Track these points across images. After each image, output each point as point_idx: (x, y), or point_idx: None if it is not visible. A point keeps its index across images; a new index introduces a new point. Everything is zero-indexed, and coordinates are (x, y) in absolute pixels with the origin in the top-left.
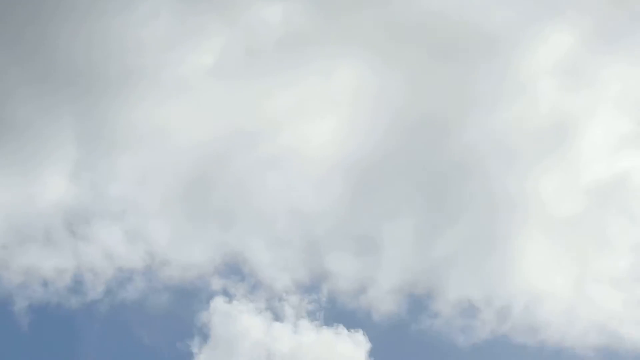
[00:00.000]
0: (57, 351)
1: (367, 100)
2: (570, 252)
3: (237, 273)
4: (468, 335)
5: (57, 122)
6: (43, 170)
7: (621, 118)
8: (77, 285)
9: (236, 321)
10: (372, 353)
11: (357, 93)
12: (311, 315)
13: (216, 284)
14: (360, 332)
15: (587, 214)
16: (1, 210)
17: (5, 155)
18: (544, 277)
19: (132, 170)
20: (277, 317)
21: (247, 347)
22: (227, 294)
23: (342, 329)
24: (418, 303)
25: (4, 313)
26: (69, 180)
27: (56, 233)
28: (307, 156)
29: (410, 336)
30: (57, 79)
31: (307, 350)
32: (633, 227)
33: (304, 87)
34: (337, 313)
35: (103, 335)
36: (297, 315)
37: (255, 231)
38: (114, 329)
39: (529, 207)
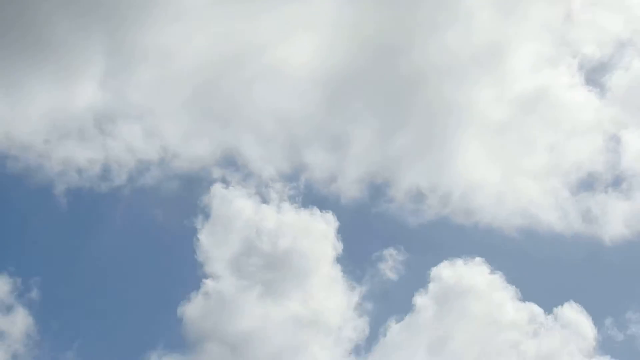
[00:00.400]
0: (89, 227)
1: (341, 25)
2: (499, 150)
3: (232, 165)
4: (417, 217)
5: (88, 39)
6: (77, 79)
7: (543, 43)
8: (105, 173)
9: (231, 203)
10: (339, 230)
11: (333, 19)
12: (291, 199)
13: (216, 173)
14: (331, 213)
15: (514, 120)
16: (43, 112)
17: (47, 67)
18: (479, 170)
19: (150, 80)
20: (264, 200)
21: (240, 224)
22: (225, 182)
23: (316, 210)
24: (377, 190)
25: (47, 196)
26: (98, 87)
27: (88, 131)
28: (290, 71)
29: (371, 217)
30: (88, 2)
31: (288, 227)
32: (550, 131)
33: (288, 14)
34: (312, 197)
35: (125, 213)
36: (280, 199)
37: (247, 131)
38: (134, 209)
39: (468, 113)
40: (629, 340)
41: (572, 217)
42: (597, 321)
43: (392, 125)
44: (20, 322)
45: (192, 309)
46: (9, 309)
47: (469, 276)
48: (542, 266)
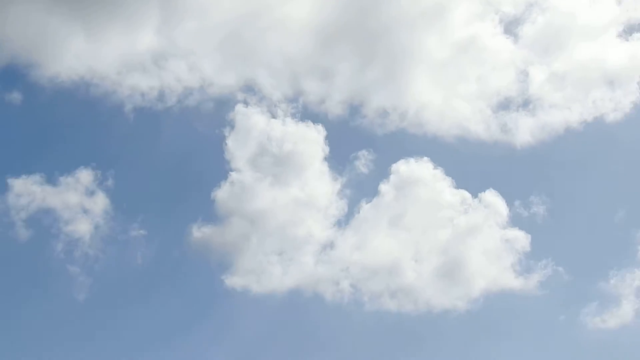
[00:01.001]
0: (149, 135)
1: None
2: (442, 80)
3: (251, 90)
4: (382, 128)
5: None
6: (139, 26)
7: (474, 3)
8: (160, 96)
9: (250, 118)
10: (327, 138)
11: None
12: (293, 115)
13: (239, 96)
14: (321, 125)
15: (453, 59)
16: (116, 51)
17: (118, 17)
18: (427, 95)
19: (192, 28)
20: (273, 116)
21: (256, 133)
22: (245, 103)
23: (310, 124)
24: (355, 109)
25: (119, 113)
26: (154, 33)
27: (148, 66)
28: (292, 23)
29: (350, 129)
30: None
31: (290, 135)
32: (478, 67)
33: None
34: (307, 114)
35: (175, 126)
36: (284, 115)
37: (262, 66)
38: (182, 122)
39: (419, 54)
40: (531, 217)
41: (493, 129)
42: (509, 203)
43: (366, 62)
44: (100, 202)
45: (222, 193)
46: (92, 193)
47: (418, 171)
48: (471, 164)
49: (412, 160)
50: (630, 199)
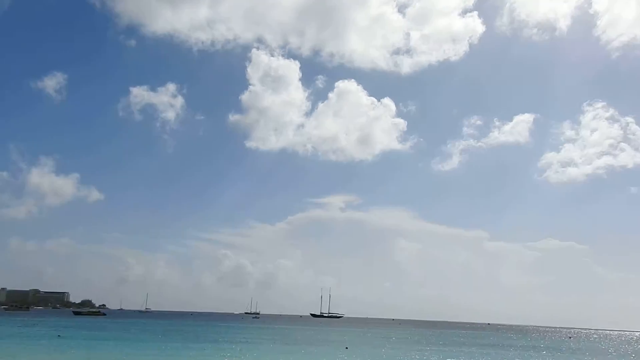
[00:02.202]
0: (206, 67)
1: None
2: (366, 39)
3: (261, 41)
4: (331, 63)
5: None
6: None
7: None
8: (212, 44)
9: (259, 57)
10: (300, 68)
11: None
12: (283, 56)
13: (254, 45)
14: (297, 61)
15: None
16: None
17: None
18: (357, 45)
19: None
20: (272, 55)
21: (263, 65)
22: (257, 48)
23: (292, 60)
24: (316, 53)
25: (188, 53)
26: (207, 6)
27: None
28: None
29: (313, 64)
30: None
31: (281, 67)
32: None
33: None
34: (291, 55)
35: (221, 60)
36: (278, 55)
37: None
38: (224, 58)
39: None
40: (408, 112)
41: (390, 63)
42: (397, 104)
43: (322, 28)
44: (179, 101)
45: (245, 97)
46: (175, 96)
47: (349, 86)
48: (377, 83)
49: (346, 81)
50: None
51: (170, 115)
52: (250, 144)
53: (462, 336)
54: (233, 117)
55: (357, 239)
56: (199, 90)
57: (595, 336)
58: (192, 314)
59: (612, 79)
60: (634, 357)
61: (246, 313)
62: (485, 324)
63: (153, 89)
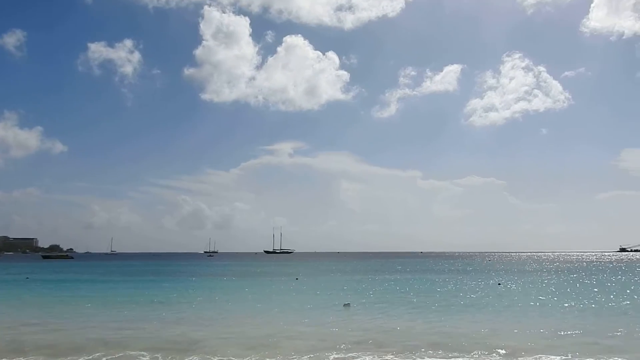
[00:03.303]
0: (162, 23)
1: None
2: None
3: None
4: (279, 19)
5: None
6: None
7: None
8: (167, 2)
9: (211, 13)
10: (250, 24)
11: None
12: (233, 12)
13: (207, 2)
14: (247, 17)
15: None
16: None
17: None
18: (301, 3)
19: None
20: (224, 12)
21: (215, 21)
22: (209, 5)
23: (242, 16)
24: (264, 9)
25: (144, 11)
26: None
27: None
28: None
29: (262, 20)
30: None
31: (232, 22)
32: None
33: None
34: (241, 11)
35: (176, 15)
36: (229, 11)
37: None
38: (181, 14)
39: None
40: (350, 64)
41: (334, 19)
42: (340, 58)
43: None
44: (137, 56)
45: (199, 52)
46: (132, 52)
47: (297, 41)
48: (321, 38)
49: (293, 36)
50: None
51: (128, 70)
52: (205, 96)
53: (399, 264)
54: (188, 71)
55: (306, 181)
56: (154, 46)
57: (515, 258)
58: (154, 254)
59: (527, 32)
60: (541, 271)
61: (205, 252)
62: (419, 252)
63: (111, 44)
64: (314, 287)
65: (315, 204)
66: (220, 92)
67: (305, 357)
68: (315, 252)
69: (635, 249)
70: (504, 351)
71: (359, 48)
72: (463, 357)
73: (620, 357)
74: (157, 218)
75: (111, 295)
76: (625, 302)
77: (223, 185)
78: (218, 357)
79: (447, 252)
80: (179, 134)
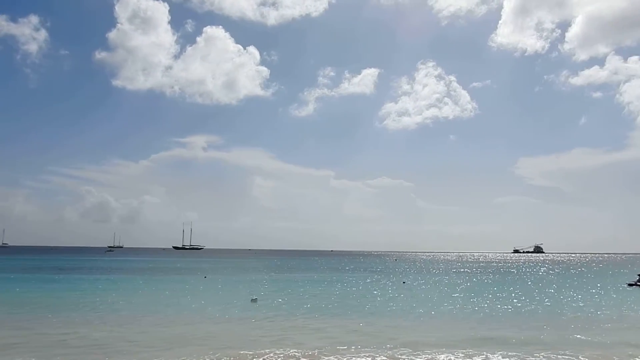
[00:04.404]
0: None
1: None
2: None
3: None
4: (201, 9)
5: None
6: None
7: None
8: None
9: None
10: (170, 11)
11: None
12: None
13: None
14: (166, 3)
15: None
16: None
17: None
18: None
19: None
20: None
21: (132, 6)
22: None
23: (161, 2)
24: None
25: None
26: None
27: None
28: None
29: (182, 8)
30: None
31: (150, 8)
32: None
33: None
34: None
35: None
36: None
37: None
38: None
39: None
40: (271, 61)
41: (258, 13)
42: (261, 54)
43: None
44: (43, 34)
45: (112, 35)
46: (38, 30)
47: (217, 32)
48: (243, 31)
49: (214, 27)
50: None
51: (32, 48)
52: (117, 82)
53: (310, 262)
54: (99, 55)
55: (219, 176)
56: (64, 25)
57: (423, 257)
58: (52, 248)
59: (441, 42)
60: (445, 270)
61: (109, 247)
62: (329, 250)
63: (13, 19)
64: (223, 285)
65: (228, 199)
66: (134, 79)
67: (216, 355)
68: (226, 249)
69: (527, 250)
70: (407, 348)
71: (281, 45)
72: (368, 352)
73: (511, 351)
74: (57, 209)
75: None
76: (515, 300)
77: (131, 177)
78: None
79: (358, 251)
80: (86, 120)
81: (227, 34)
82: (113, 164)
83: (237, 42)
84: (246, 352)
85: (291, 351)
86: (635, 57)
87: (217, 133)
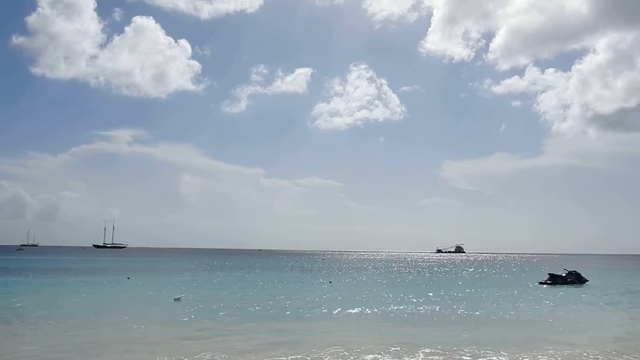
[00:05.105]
0: None
1: None
2: None
3: None
4: None
5: None
6: None
7: None
8: None
9: None
10: None
11: None
12: None
13: None
14: None
15: None
16: None
17: None
18: None
19: None
20: None
21: None
22: None
23: None
24: None
25: None
26: None
27: None
28: None
29: None
30: None
31: None
32: None
33: None
34: None
35: None
36: None
37: None
38: None
39: None
40: (203, 55)
41: (191, 6)
42: (193, 48)
43: None
44: None
45: (32, 19)
46: None
47: (147, 23)
48: (174, 23)
49: (144, 17)
50: None
51: None
52: (36, 70)
53: (237, 260)
54: (17, 40)
55: (145, 172)
56: None
57: (352, 257)
58: None
59: (373, 45)
60: (371, 269)
61: (21, 245)
62: (258, 249)
63: None
64: (147, 285)
65: (154, 196)
66: (55, 67)
67: (141, 357)
68: (151, 248)
69: (449, 250)
70: (337, 347)
71: (214, 40)
72: (296, 354)
73: (436, 349)
74: None
75: None
76: (438, 299)
77: (49, 171)
78: None
79: (288, 250)
80: (0, 109)
81: (158, 25)
82: (29, 157)
83: (168, 34)
84: (168, 354)
85: (216, 354)
86: (551, 70)
87: (144, 127)
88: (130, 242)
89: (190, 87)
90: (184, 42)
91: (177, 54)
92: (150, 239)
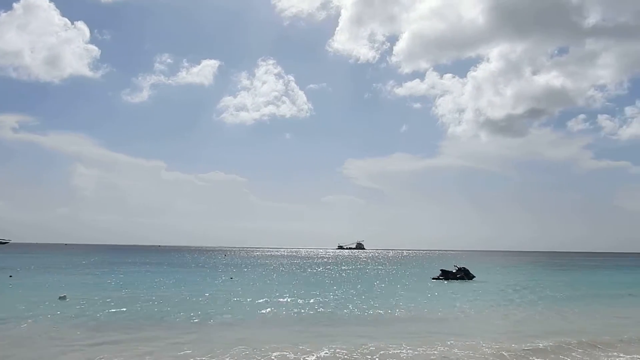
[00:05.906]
0: None
1: None
2: None
3: None
4: None
5: None
6: None
7: None
8: None
9: None
10: None
11: None
12: None
13: None
14: None
15: None
16: None
17: None
18: None
19: None
20: None
21: None
22: None
23: None
24: None
25: None
26: None
27: None
28: None
29: None
30: None
31: None
32: None
33: None
34: None
35: None
36: None
37: None
38: None
39: None
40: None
41: None
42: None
43: None
44: None
45: None
46: None
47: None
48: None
49: None
50: None
51: None
52: None
53: (133, 257)
54: None
55: (32, 162)
56: None
57: (255, 253)
58: None
59: (282, 42)
60: (272, 266)
61: None
62: (157, 245)
63: None
64: (31, 283)
65: (42, 188)
66: None
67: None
68: (38, 243)
69: (350, 247)
70: (242, 346)
71: (115, 25)
72: (201, 354)
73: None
74: None
75: None
76: (340, 293)
77: None
78: None
79: (188, 246)
80: None
81: (52, 5)
82: None
83: (63, 14)
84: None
85: (104, 355)
86: (449, 75)
87: (32, 113)
88: (14, 238)
89: (88, 72)
90: (81, 25)
91: (74, 36)
92: (37, 234)
